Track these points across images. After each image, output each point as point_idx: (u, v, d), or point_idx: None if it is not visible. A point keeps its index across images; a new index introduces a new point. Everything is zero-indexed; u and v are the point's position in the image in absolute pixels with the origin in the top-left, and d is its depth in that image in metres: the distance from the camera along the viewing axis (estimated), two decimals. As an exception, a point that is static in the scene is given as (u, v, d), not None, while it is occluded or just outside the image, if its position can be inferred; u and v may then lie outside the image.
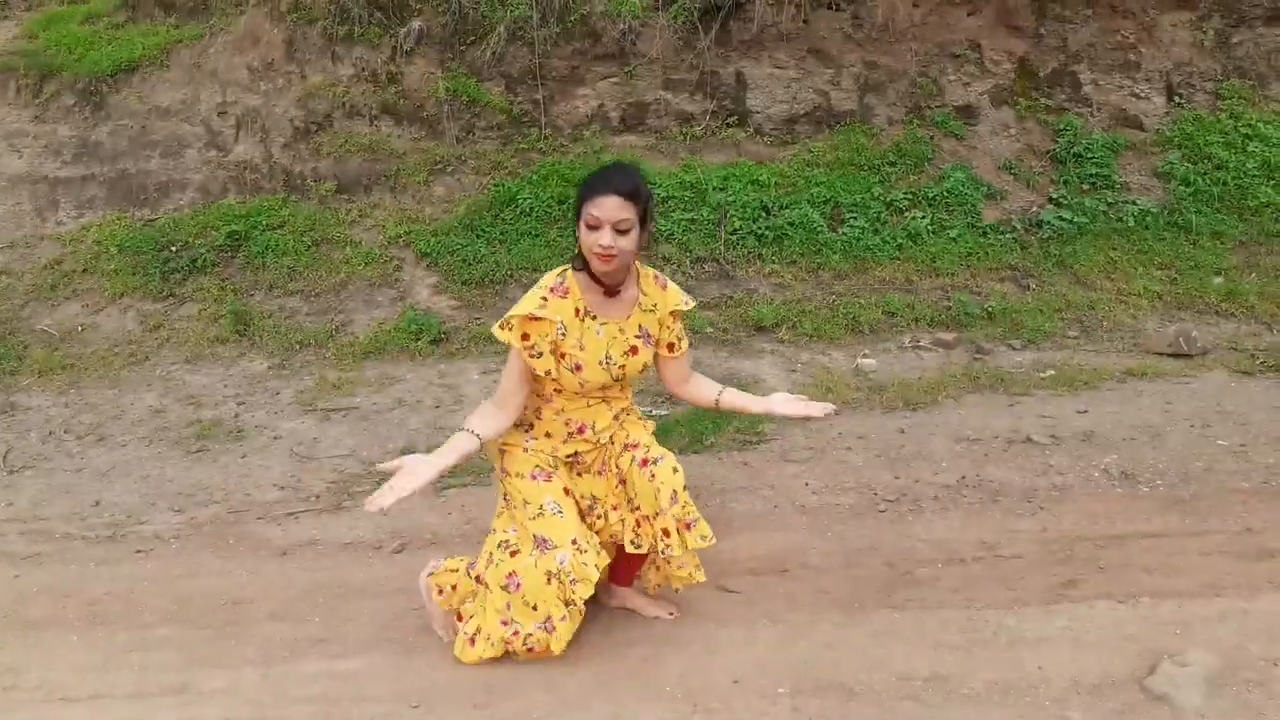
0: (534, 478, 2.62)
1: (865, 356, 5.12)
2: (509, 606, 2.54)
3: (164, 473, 4.35)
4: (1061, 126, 6.52)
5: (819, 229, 6.01)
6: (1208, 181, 6.15)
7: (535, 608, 2.49)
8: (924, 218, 6.07)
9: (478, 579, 2.65)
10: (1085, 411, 4.32)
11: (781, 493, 3.73)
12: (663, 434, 4.26)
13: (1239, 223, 5.94)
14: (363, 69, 6.75)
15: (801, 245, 5.96)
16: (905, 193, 6.21)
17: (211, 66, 6.94)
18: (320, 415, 4.84)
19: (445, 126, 6.60)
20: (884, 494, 3.67)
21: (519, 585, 2.51)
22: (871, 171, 6.34)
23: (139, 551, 3.65)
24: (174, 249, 6.23)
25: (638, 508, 2.63)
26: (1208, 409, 4.26)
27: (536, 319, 2.47)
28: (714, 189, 6.17)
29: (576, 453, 2.70)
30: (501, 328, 2.51)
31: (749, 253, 5.97)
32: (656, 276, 2.69)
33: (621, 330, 2.59)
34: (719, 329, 5.47)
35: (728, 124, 6.60)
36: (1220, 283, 5.55)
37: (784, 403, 2.69)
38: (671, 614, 2.88)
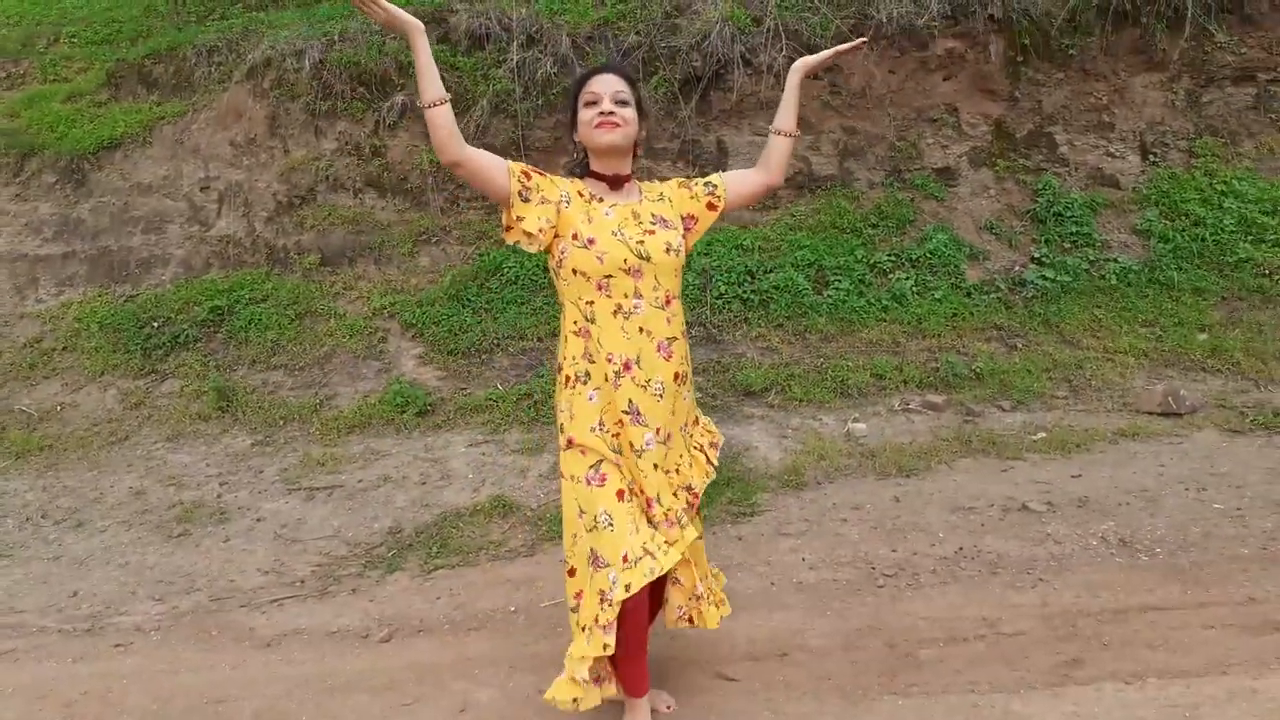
0: (588, 482, 2.44)
1: (855, 420, 5.10)
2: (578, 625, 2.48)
3: (144, 559, 4.25)
4: (1040, 186, 6.60)
5: (804, 292, 6.03)
6: (1186, 238, 6.22)
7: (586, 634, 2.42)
8: (908, 279, 6.10)
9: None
10: (1079, 476, 4.29)
11: (778, 569, 3.66)
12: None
13: (1219, 279, 5.99)
14: (346, 143, 6.78)
15: (787, 308, 5.97)
16: (889, 254, 6.25)
17: (194, 143, 6.97)
18: (305, 494, 4.75)
19: (430, 197, 6.63)
20: (882, 568, 3.61)
21: (578, 607, 2.47)
22: (854, 234, 6.38)
23: (118, 645, 3.54)
24: (156, 325, 6.18)
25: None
26: (1201, 471, 4.24)
27: (542, 173, 2.46)
28: (699, 254, 6.19)
29: (634, 405, 2.45)
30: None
31: (735, 317, 5.97)
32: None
33: (635, 214, 2.50)
34: (708, 394, 5.43)
35: (710, 190, 6.64)
36: (1205, 339, 5.58)
37: (808, 63, 2.74)
38: (669, 706, 2.79)
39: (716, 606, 2.76)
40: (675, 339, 2.52)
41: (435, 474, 4.85)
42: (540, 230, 2.40)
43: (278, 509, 4.62)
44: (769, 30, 6.49)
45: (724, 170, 6.54)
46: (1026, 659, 2.92)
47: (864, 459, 4.69)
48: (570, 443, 2.47)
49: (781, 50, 6.42)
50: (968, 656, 2.97)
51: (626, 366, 2.43)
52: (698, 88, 6.63)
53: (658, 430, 2.47)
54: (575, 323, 2.47)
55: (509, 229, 2.44)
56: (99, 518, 4.68)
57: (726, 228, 6.43)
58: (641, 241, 2.43)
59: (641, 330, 2.44)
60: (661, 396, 2.47)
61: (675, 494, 2.55)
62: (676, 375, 2.52)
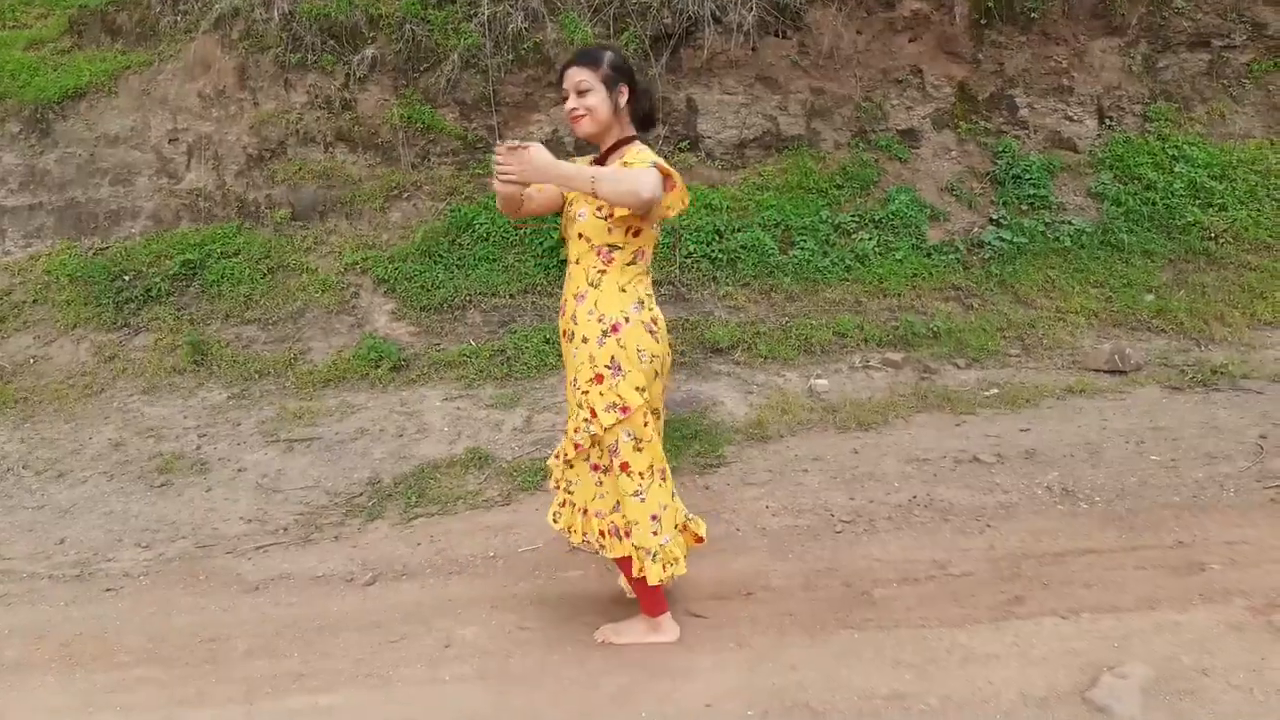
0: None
1: (818, 378, 5.29)
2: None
3: (128, 508, 4.36)
4: (1000, 149, 6.78)
5: (770, 251, 6.18)
6: (1138, 201, 6.45)
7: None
8: (871, 239, 6.28)
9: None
10: (1028, 430, 4.53)
11: (743, 516, 3.87)
12: (626, 459, 4.38)
13: (1168, 241, 6.24)
14: (316, 96, 6.77)
15: (754, 268, 6.13)
16: (853, 215, 6.42)
17: (161, 94, 6.91)
18: (283, 446, 4.86)
19: (401, 153, 6.66)
20: (840, 515, 3.83)
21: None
22: (819, 195, 6.54)
23: (108, 590, 3.67)
24: (127, 278, 6.20)
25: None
26: (1141, 426, 4.50)
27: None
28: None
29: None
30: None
31: (703, 275, 6.12)
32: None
33: None
34: (677, 352, 5.59)
35: (680, 149, 6.75)
36: (1151, 300, 5.83)
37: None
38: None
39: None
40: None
41: (411, 427, 4.98)
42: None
43: (257, 460, 4.74)
44: (739, -11, 6.56)
45: (695, 128, 6.69)
46: (973, 597, 3.15)
47: (825, 414, 4.89)
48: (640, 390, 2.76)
49: (751, 9, 6.49)
50: (919, 595, 3.19)
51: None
52: (668, 45, 6.69)
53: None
54: (646, 289, 2.84)
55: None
56: (80, 468, 4.77)
57: (696, 186, 6.55)
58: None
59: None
60: None
61: None
62: None
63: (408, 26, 6.65)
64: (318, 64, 6.74)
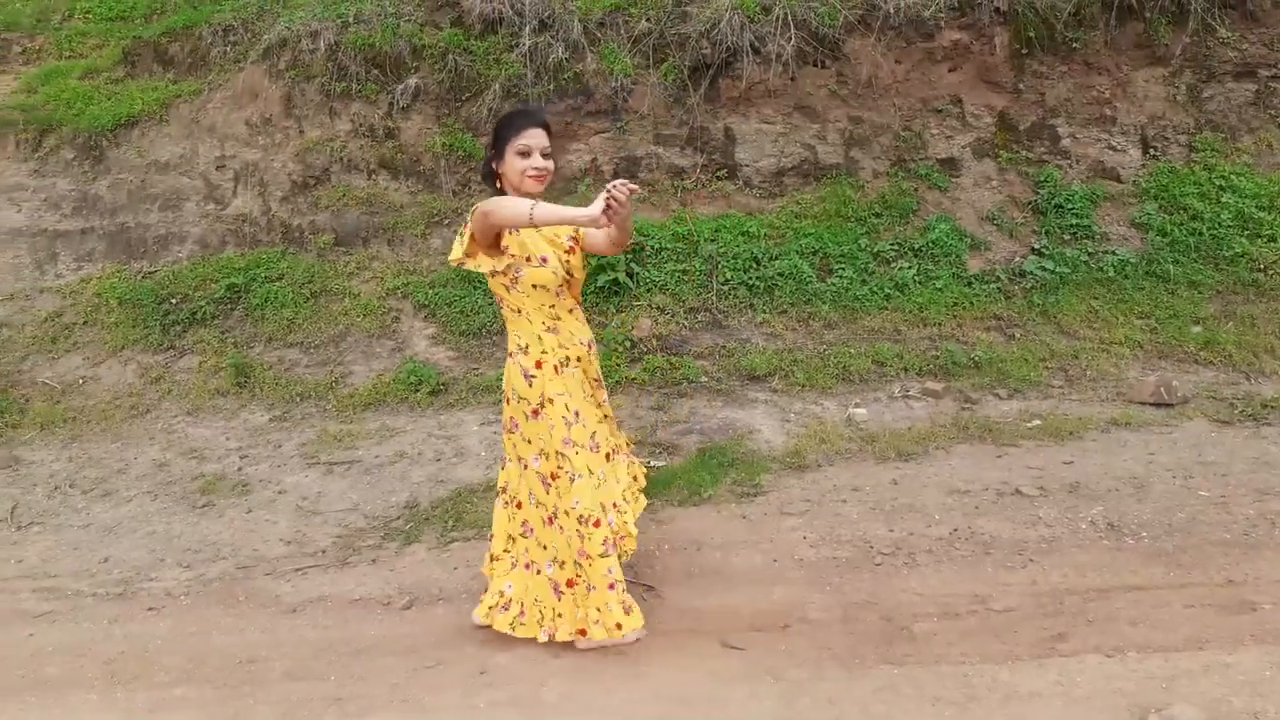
0: (590, 449, 3.08)
1: (857, 406, 5.25)
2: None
3: (171, 528, 4.42)
4: (1042, 178, 6.73)
5: (808, 279, 6.17)
6: (1184, 232, 6.35)
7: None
8: (910, 268, 6.24)
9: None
10: (1071, 462, 4.46)
11: (780, 546, 3.83)
12: (661, 485, 4.39)
13: (1215, 272, 6.13)
14: (360, 124, 6.89)
15: (791, 295, 6.11)
16: (892, 243, 6.39)
17: (210, 121, 7.08)
18: (323, 468, 4.91)
19: (442, 180, 6.75)
20: (879, 547, 3.78)
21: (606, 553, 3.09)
22: (858, 223, 6.52)
23: (150, 609, 3.71)
24: (174, 301, 6.33)
25: None
26: (1189, 460, 4.41)
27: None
28: (705, 240, 6.33)
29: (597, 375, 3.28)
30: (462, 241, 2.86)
31: (740, 303, 6.11)
32: None
33: (556, 235, 3.08)
34: (713, 378, 5.59)
35: (717, 177, 6.78)
36: (1199, 332, 5.73)
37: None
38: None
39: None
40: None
41: (449, 451, 5.01)
42: (512, 256, 2.94)
43: (298, 482, 4.79)
44: (778, 19, 6.60)
45: (733, 156, 6.71)
46: (1015, 633, 3.09)
47: (864, 443, 4.85)
48: (577, 414, 3.05)
49: (790, 39, 6.53)
50: (960, 630, 3.14)
51: (590, 346, 3.19)
52: (707, 75, 6.74)
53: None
54: (545, 323, 3.05)
55: (470, 257, 2.88)
56: (125, 488, 4.85)
57: (733, 214, 6.57)
58: (567, 260, 3.07)
59: (584, 321, 3.21)
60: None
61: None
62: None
63: (450, 57, 6.77)
64: (362, 93, 6.87)
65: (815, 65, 6.80)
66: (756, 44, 6.59)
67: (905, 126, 6.85)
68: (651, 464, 4.70)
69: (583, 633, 3.07)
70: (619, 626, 3.01)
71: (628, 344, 5.78)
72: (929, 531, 3.89)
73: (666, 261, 6.26)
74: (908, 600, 3.37)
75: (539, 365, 3.03)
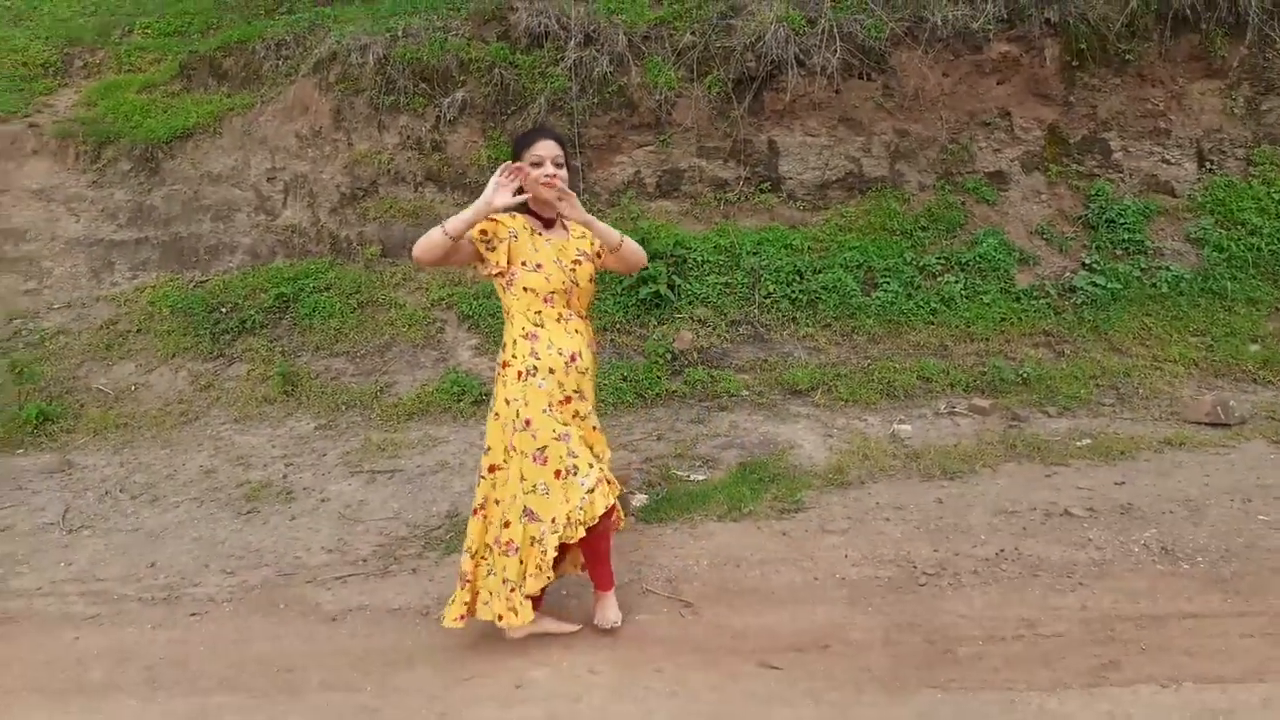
0: (534, 459, 3.10)
1: (901, 422, 5.18)
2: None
3: (215, 534, 4.48)
4: (1093, 192, 6.60)
5: (852, 293, 6.11)
6: (1241, 248, 6.19)
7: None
8: (957, 282, 6.15)
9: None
10: (1123, 483, 4.34)
11: (821, 564, 3.78)
12: (701, 500, 4.35)
13: (1274, 289, 5.96)
14: (407, 137, 6.98)
15: (835, 309, 6.06)
16: (938, 257, 6.30)
17: (261, 134, 7.21)
18: (366, 477, 4.95)
19: (487, 192, 6.79)
20: (923, 567, 3.71)
21: (507, 551, 3.19)
22: (904, 236, 6.44)
23: (193, 615, 3.75)
24: (224, 310, 6.44)
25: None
26: (1247, 482, 4.27)
27: (494, 220, 3.05)
28: (748, 253, 6.30)
29: (579, 389, 3.23)
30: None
31: (783, 316, 6.07)
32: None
33: (564, 247, 3.22)
34: (754, 392, 5.55)
35: (761, 190, 6.75)
36: (1257, 350, 5.56)
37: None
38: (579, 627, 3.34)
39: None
40: (590, 340, 3.34)
41: (489, 462, 5.01)
42: (498, 264, 3.09)
43: (341, 490, 4.83)
44: (823, 31, 6.56)
45: (776, 169, 6.67)
46: (1064, 660, 3.01)
47: (908, 460, 4.77)
48: (528, 423, 3.10)
49: (835, 52, 6.49)
50: (1006, 655, 3.06)
51: (572, 358, 3.18)
52: (751, 88, 6.72)
53: (591, 405, 3.32)
54: (523, 329, 3.14)
55: (488, 273, 3.15)
56: (172, 493, 4.93)
57: (776, 226, 6.53)
58: (573, 270, 3.20)
59: (577, 332, 3.22)
60: (591, 380, 3.33)
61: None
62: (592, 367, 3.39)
63: (497, 70, 6.83)
64: (409, 106, 6.95)
65: (861, 78, 6.75)
66: (801, 56, 6.56)
67: (952, 139, 6.77)
68: (692, 477, 4.67)
69: (472, 611, 3.24)
70: (500, 618, 3.14)
71: (669, 356, 5.76)
72: (974, 552, 3.81)
73: (709, 274, 6.23)
74: (952, 623, 3.29)
75: (505, 367, 3.17)
